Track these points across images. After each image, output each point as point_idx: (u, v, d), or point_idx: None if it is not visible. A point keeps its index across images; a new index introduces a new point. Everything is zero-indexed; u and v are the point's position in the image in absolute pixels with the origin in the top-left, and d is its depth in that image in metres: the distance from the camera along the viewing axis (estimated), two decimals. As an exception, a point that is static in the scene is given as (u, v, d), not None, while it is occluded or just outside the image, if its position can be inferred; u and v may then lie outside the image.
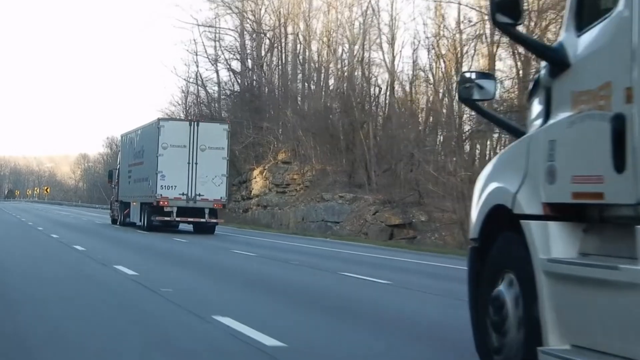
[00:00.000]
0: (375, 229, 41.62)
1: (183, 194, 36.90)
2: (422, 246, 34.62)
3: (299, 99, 62.01)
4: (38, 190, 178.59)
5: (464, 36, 41.55)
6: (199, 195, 36.97)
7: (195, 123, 37.61)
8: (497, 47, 38.37)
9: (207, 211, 37.19)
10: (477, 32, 40.31)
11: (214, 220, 37.78)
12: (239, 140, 58.62)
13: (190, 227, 39.26)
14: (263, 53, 66.40)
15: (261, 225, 52.30)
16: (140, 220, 39.67)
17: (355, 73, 54.16)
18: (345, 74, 55.34)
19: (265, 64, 65.93)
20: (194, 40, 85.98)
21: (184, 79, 75.88)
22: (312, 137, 53.06)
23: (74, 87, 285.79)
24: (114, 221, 49.02)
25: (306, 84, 62.68)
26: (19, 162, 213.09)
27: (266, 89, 66.05)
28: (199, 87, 71.77)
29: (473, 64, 41.21)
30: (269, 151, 58.35)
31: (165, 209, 37.01)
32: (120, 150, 48.15)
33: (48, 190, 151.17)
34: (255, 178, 58.76)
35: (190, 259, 21.18)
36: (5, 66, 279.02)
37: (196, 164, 36.87)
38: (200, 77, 71.53)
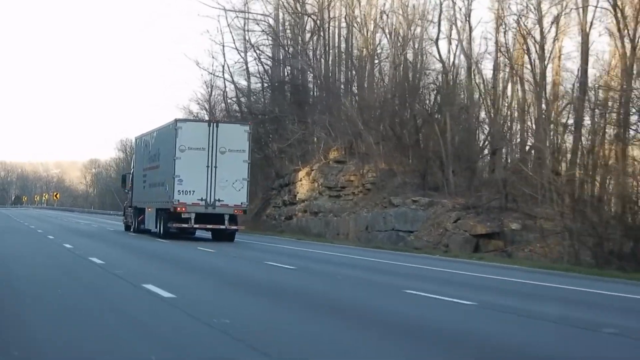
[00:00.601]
0: (458, 239, 35.60)
1: (202, 200, 34.90)
2: (520, 260, 29.20)
3: (355, 88, 53.11)
4: (47, 196, 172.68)
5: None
6: (219, 200, 34.96)
7: (215, 124, 35.55)
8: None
9: (227, 217, 35.22)
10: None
11: (234, 227, 35.76)
12: (284, 137, 53.55)
13: (207, 234, 37.26)
14: (307, 38, 57.71)
15: (311, 235, 45.59)
16: (156, 227, 37.64)
17: (421, 57, 47.19)
18: (409, 59, 48.33)
19: (309, 50, 57.19)
20: (220, 29, 78.22)
21: (210, 72, 69.08)
22: (374, 132, 45.85)
23: (80, 90, 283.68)
24: (127, 228, 46.99)
25: (357, 72, 53.13)
26: (26, 168, 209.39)
27: (312, 78, 57.65)
28: (227, 81, 64.28)
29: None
30: (318, 149, 51.33)
31: (183, 215, 35.03)
32: (134, 154, 46.09)
33: (57, 196, 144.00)
34: (300, 180, 51.64)
35: (228, 274, 19.01)
36: (9, 70, 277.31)
37: (215, 167, 34.87)
38: (229, 68, 63.78)
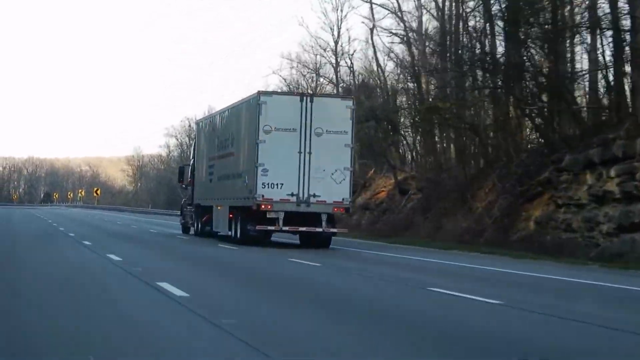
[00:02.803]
0: None
1: (292, 195, 27.34)
2: None
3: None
4: (83, 193, 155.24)
5: None
6: (314, 195, 27.40)
7: (309, 98, 27.91)
8: None
9: (324, 217, 27.58)
10: None
11: (333, 230, 28.12)
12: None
13: (286, 237, 29.88)
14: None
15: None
16: (230, 230, 30.05)
17: None
18: None
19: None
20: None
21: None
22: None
23: (105, 87, 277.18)
24: (186, 230, 39.49)
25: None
26: (54, 165, 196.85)
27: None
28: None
29: None
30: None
31: (268, 215, 27.42)
32: (194, 141, 38.40)
33: (99, 192, 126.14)
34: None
35: (381, 308, 11.41)
36: (38, 64, 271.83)
37: (310, 153, 27.34)
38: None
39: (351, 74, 57.74)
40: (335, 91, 56.70)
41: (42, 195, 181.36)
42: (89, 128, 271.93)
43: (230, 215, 30.26)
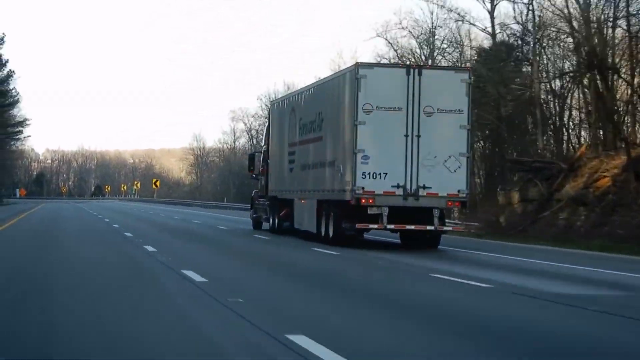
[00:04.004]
0: None
1: (398, 186, 22.92)
2: None
3: None
4: (138, 185, 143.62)
5: None
6: (423, 187, 22.98)
7: (416, 70, 23.38)
8: None
9: (436, 213, 23.02)
10: None
11: (446, 228, 23.64)
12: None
13: (382, 236, 25.47)
14: None
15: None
16: (319, 228, 25.64)
17: None
18: None
19: None
20: None
21: None
22: None
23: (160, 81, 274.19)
24: (257, 225, 35.18)
25: None
26: (105, 157, 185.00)
27: None
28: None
29: None
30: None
31: (370, 211, 22.92)
32: (269, 124, 33.97)
33: (158, 183, 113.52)
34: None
35: None
36: (84, 56, 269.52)
37: (418, 136, 22.93)
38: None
39: (527, 14, 45.26)
40: (492, 44, 47.55)
41: (92, 188, 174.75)
42: (137, 120, 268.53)
43: (319, 211, 25.82)
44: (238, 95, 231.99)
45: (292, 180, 29.40)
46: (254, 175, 36.95)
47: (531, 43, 44.46)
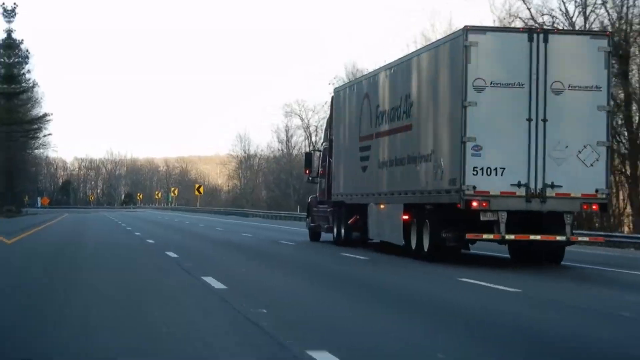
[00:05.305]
0: None
1: (520, 185, 17.81)
2: None
3: None
4: (176, 192, 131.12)
5: None
6: (552, 186, 17.84)
7: (541, 36, 18.25)
8: None
9: (568, 220, 17.86)
10: None
11: (581, 239, 18.62)
12: None
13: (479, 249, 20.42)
14: None
15: None
16: (407, 239, 20.47)
17: None
18: None
19: None
20: None
21: None
22: None
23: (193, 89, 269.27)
24: (315, 236, 30.23)
25: None
26: (135, 163, 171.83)
27: None
28: None
29: None
30: None
31: (483, 217, 17.81)
32: (331, 117, 28.87)
33: (201, 189, 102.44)
34: None
35: None
36: (113, 64, 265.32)
37: (544, 120, 17.98)
38: None
39: None
40: None
41: (122, 196, 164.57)
42: (169, 128, 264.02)
43: (406, 217, 20.73)
44: (285, 89, 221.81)
45: (365, 181, 24.35)
46: (310, 178, 31.90)
47: None
